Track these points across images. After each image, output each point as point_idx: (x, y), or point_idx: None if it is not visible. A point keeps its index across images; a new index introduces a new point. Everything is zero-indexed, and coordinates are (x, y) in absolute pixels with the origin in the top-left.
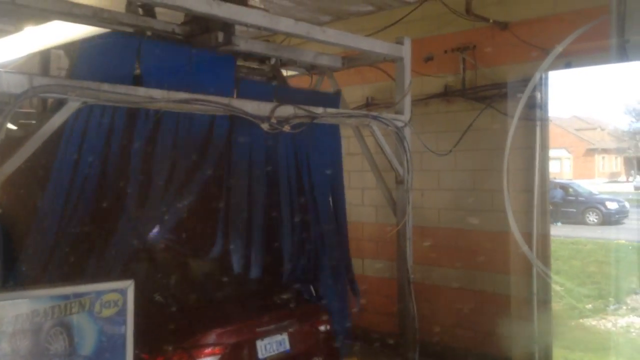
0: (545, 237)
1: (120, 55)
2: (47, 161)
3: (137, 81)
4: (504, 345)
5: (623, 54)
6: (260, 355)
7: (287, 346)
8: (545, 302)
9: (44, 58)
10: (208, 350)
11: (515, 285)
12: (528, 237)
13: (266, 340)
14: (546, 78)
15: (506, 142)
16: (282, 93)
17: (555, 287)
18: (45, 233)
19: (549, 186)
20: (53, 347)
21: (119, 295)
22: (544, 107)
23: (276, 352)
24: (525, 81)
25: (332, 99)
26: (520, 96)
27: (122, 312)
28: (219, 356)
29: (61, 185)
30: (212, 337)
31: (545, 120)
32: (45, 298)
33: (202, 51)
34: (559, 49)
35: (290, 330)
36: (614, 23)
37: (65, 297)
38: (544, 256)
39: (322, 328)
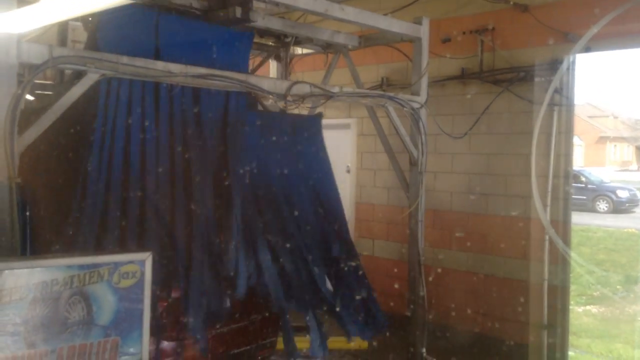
0: (566, 224)
1: (139, 29)
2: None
3: (156, 55)
4: (513, 329)
5: None
6: None
7: None
8: (556, 287)
9: (62, 30)
10: None
11: (527, 270)
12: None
13: None
14: (573, 62)
15: (530, 126)
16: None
17: (573, 274)
18: (95, 202)
19: (571, 172)
20: (72, 316)
21: (137, 267)
22: (568, 91)
23: None
24: (546, 65)
25: (313, 122)
26: (539, 80)
27: (140, 283)
28: None
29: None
30: None
31: (570, 106)
32: (63, 267)
33: (219, 27)
34: (594, 30)
35: None
36: None
37: (84, 266)
38: (564, 243)
39: None
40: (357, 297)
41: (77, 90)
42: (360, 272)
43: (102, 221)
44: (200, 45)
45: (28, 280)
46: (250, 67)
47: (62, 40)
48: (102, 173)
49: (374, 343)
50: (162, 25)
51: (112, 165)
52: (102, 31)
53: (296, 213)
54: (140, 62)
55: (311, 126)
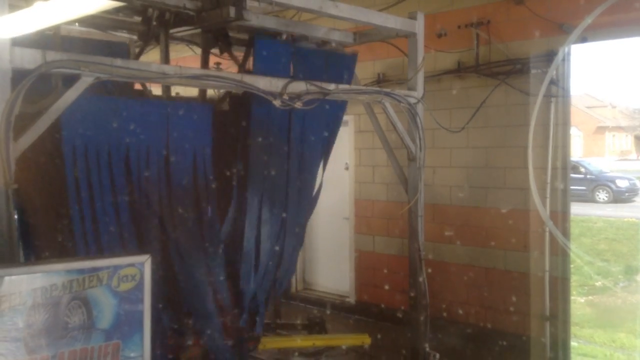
0: (565, 215)
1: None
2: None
3: None
4: (515, 321)
5: None
6: None
7: None
8: (557, 279)
9: (55, 34)
10: None
11: (528, 262)
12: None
13: None
14: (568, 53)
15: (527, 118)
16: (300, 53)
17: (574, 265)
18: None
19: (569, 164)
20: (72, 321)
21: (136, 270)
22: (564, 82)
23: None
24: (542, 56)
25: (349, 60)
26: (535, 72)
27: (139, 286)
28: None
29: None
30: None
31: (566, 97)
32: (62, 272)
33: (177, 104)
34: (588, 20)
35: None
36: None
37: (83, 271)
38: (563, 234)
39: None
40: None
41: (71, 94)
42: None
43: (91, 227)
44: (160, 126)
45: (27, 286)
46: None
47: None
48: (89, 178)
49: (377, 337)
50: (121, 110)
51: (100, 169)
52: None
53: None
54: (134, 64)
55: (347, 65)
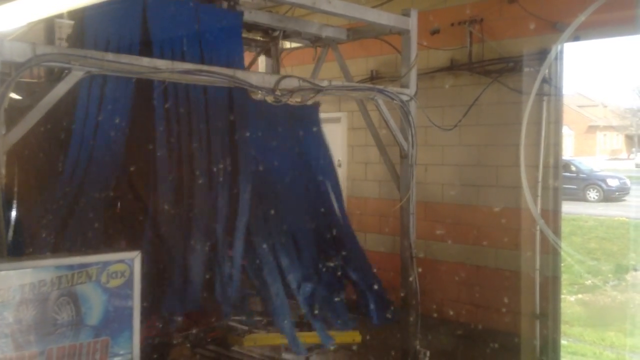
0: (556, 214)
1: (127, 19)
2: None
3: (145, 44)
4: (505, 319)
5: None
6: None
7: None
8: (547, 277)
9: (48, 27)
10: None
11: (519, 260)
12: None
13: None
14: (561, 51)
15: (520, 116)
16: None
17: (564, 263)
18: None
19: (561, 162)
20: (60, 317)
21: (125, 266)
22: (557, 81)
23: None
24: (535, 55)
25: (310, 111)
26: (528, 70)
27: (129, 282)
28: None
29: (81, 152)
30: None
31: (559, 96)
32: (51, 268)
33: (208, 6)
34: (581, 18)
35: None
36: None
37: (72, 267)
38: (555, 233)
39: None
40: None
41: (62, 88)
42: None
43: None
44: (191, 27)
45: (15, 281)
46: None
47: (49, 38)
48: (79, 171)
49: (367, 336)
50: (151, 9)
51: (91, 162)
52: (88, 27)
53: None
54: (126, 58)
55: (309, 116)
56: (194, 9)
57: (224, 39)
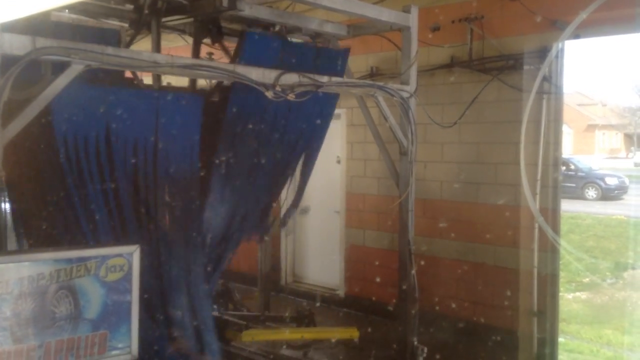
0: (555, 212)
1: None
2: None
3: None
4: (503, 316)
5: None
6: None
7: None
8: (546, 275)
9: (46, 20)
10: None
11: (517, 257)
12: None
13: None
14: (561, 49)
15: (519, 114)
16: (289, 48)
17: (563, 261)
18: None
19: (560, 160)
20: (59, 310)
21: (124, 260)
22: (557, 79)
23: None
24: (536, 52)
25: (340, 55)
26: (528, 68)
27: (127, 276)
28: None
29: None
30: None
31: (559, 94)
32: (50, 261)
33: (167, 94)
34: (582, 16)
35: None
36: None
37: (71, 260)
38: (553, 231)
39: None
40: None
41: (61, 82)
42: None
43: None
44: (149, 115)
45: (14, 274)
46: None
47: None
48: (74, 165)
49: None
50: (112, 100)
51: (87, 156)
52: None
53: None
54: (125, 52)
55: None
56: (152, 97)
57: (182, 125)
